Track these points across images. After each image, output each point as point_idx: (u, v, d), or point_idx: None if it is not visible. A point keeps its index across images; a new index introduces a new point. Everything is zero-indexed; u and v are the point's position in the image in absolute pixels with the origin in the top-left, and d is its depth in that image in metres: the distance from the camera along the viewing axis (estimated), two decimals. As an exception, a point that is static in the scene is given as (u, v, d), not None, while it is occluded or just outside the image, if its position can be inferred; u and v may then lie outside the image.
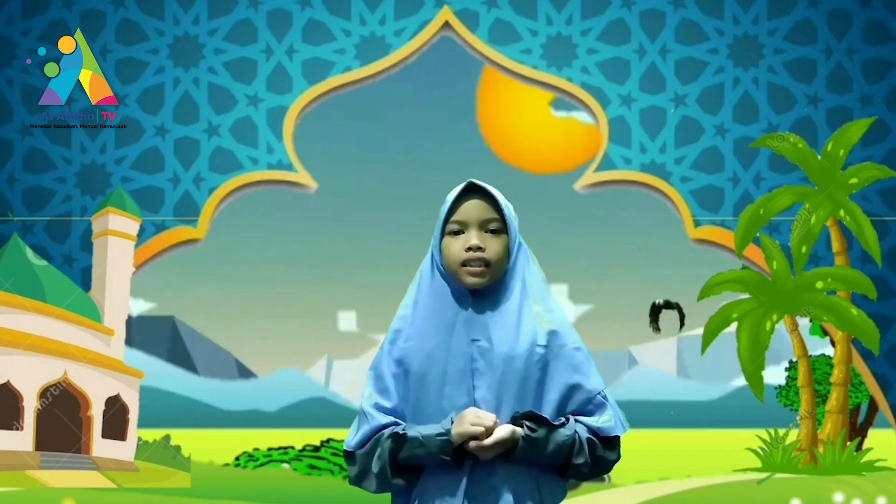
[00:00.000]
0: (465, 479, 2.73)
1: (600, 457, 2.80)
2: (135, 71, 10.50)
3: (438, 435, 2.70)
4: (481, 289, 2.80)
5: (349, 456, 2.82)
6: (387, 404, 2.80)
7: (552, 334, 2.79)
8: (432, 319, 2.81)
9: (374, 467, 2.75)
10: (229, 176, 10.55)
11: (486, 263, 2.78)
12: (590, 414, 2.81)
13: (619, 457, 2.83)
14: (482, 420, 2.69)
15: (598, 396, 2.82)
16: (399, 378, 2.81)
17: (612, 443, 2.81)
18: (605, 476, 11.32)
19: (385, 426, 2.78)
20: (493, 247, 2.79)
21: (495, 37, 10.62)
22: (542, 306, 2.82)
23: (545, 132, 12.67)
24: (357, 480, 2.81)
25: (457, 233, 2.81)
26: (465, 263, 2.78)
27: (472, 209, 2.81)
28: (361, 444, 2.79)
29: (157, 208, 10.50)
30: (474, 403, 2.74)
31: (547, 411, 2.77)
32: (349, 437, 2.82)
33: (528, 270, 2.85)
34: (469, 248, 2.78)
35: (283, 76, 10.58)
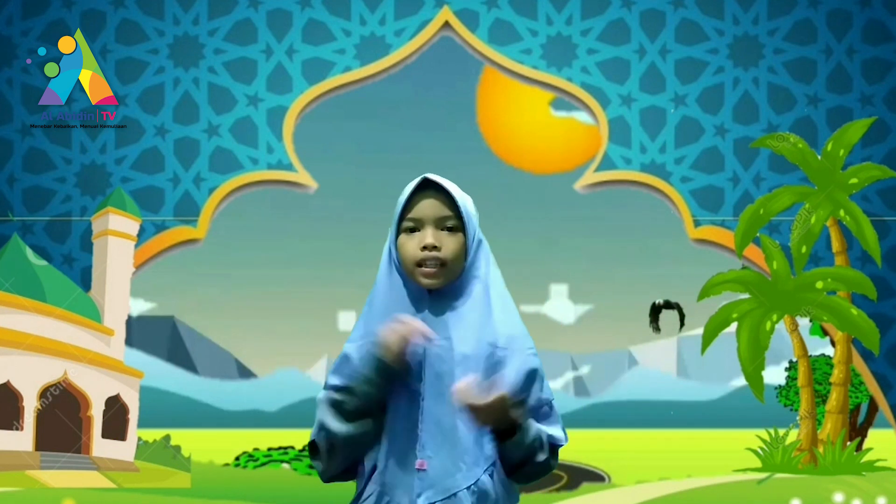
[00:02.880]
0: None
1: (549, 460, 2.77)
2: (135, 71, 10.50)
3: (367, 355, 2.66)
4: (439, 288, 2.73)
5: (312, 450, 2.74)
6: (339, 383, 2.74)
7: (510, 338, 2.73)
8: (389, 318, 2.72)
9: (326, 425, 2.67)
10: (229, 176, 10.55)
11: (441, 263, 2.70)
12: (539, 420, 2.76)
13: (556, 465, 2.80)
14: (404, 323, 2.63)
15: (546, 406, 2.78)
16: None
17: (556, 451, 2.80)
18: (605, 476, 11.31)
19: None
20: (449, 245, 2.70)
21: (495, 37, 10.63)
22: (500, 308, 2.75)
23: (545, 132, 12.67)
24: (324, 469, 2.73)
25: (412, 230, 2.73)
26: (420, 263, 2.70)
27: (428, 206, 2.71)
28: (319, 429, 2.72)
29: (157, 208, 10.50)
30: (425, 402, 2.67)
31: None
32: (315, 423, 2.74)
33: (488, 270, 2.77)
34: (424, 247, 2.70)
35: (283, 76, 10.58)
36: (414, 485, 2.65)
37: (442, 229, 2.72)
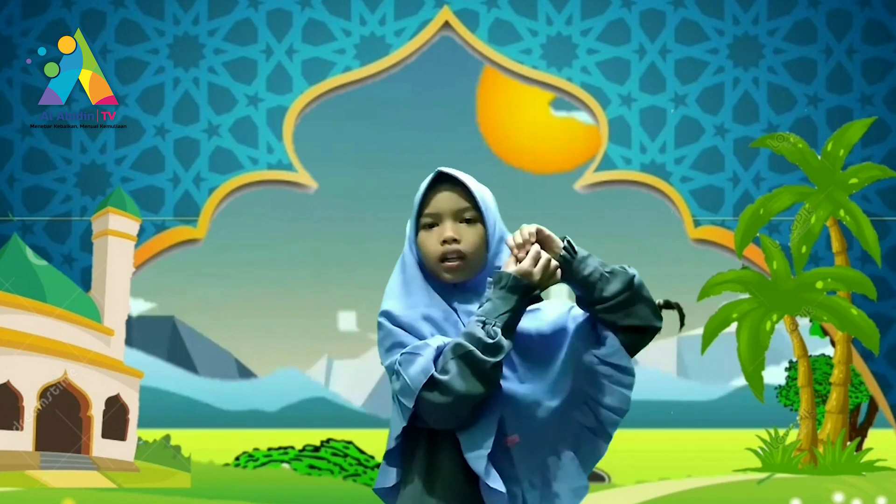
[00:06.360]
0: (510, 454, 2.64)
1: (644, 298, 2.70)
2: (135, 71, 10.50)
3: (501, 288, 2.58)
4: (463, 282, 2.71)
5: (431, 382, 2.55)
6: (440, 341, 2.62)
7: (538, 321, 2.72)
8: (422, 311, 2.69)
9: (474, 360, 2.52)
10: (229, 176, 10.55)
11: (462, 256, 2.67)
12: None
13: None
14: (522, 238, 2.62)
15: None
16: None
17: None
18: (605, 476, 11.32)
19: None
20: (468, 237, 2.68)
21: (495, 37, 10.62)
22: None
23: (545, 132, 12.68)
24: (452, 401, 2.54)
25: (431, 226, 2.70)
26: (442, 258, 2.68)
27: (444, 200, 2.69)
28: (428, 369, 2.56)
29: (157, 208, 10.50)
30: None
31: (558, 386, 2.68)
32: (410, 375, 2.56)
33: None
34: (444, 241, 2.67)
35: (283, 76, 10.58)
36: (505, 460, 2.64)
37: (461, 222, 2.70)
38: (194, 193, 10.52)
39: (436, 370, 2.56)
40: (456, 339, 2.59)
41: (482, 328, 2.56)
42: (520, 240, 2.63)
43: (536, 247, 2.63)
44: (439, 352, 2.59)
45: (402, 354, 2.61)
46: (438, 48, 10.77)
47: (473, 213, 2.70)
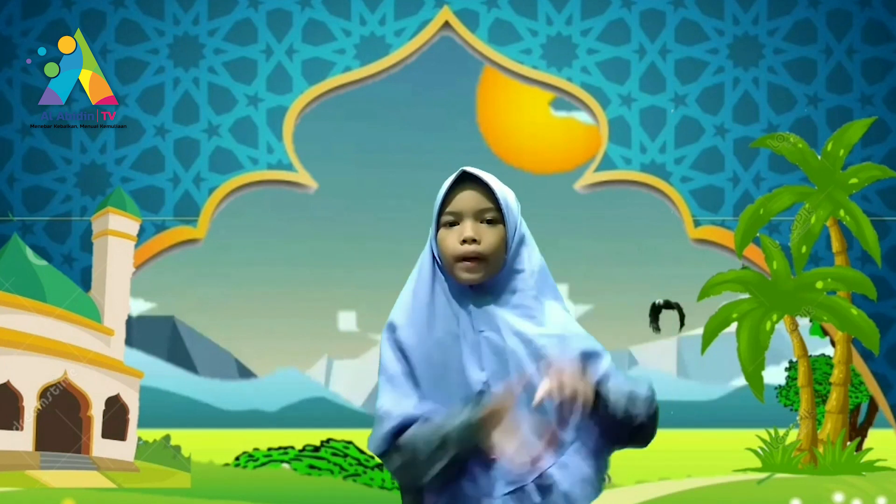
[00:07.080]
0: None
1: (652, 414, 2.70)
2: (135, 71, 10.50)
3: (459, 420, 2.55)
4: (480, 283, 2.69)
5: (386, 453, 2.61)
6: (409, 408, 2.64)
7: (561, 327, 2.69)
8: (435, 311, 2.69)
9: (431, 449, 2.56)
10: (229, 176, 10.55)
11: (480, 257, 2.66)
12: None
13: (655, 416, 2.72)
14: (506, 393, 2.55)
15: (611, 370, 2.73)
16: (409, 374, 2.68)
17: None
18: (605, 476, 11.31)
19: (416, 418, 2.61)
20: (488, 238, 2.66)
21: (495, 37, 10.63)
22: (549, 302, 2.72)
23: (545, 132, 12.68)
24: (405, 469, 2.60)
25: (451, 224, 2.69)
26: (460, 257, 2.67)
27: (467, 199, 2.68)
28: (396, 434, 2.60)
29: (157, 208, 10.50)
30: (488, 392, 2.62)
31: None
32: (375, 436, 2.62)
33: (532, 265, 2.72)
34: (463, 241, 2.66)
35: (283, 76, 10.58)
36: (483, 477, 2.61)
37: (481, 222, 2.68)
38: (194, 193, 10.53)
39: (395, 443, 2.60)
40: (416, 430, 2.59)
41: (440, 434, 2.56)
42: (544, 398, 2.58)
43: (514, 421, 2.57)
44: (408, 422, 2.61)
45: (379, 408, 2.64)
46: (438, 48, 10.77)
47: (495, 215, 2.69)
